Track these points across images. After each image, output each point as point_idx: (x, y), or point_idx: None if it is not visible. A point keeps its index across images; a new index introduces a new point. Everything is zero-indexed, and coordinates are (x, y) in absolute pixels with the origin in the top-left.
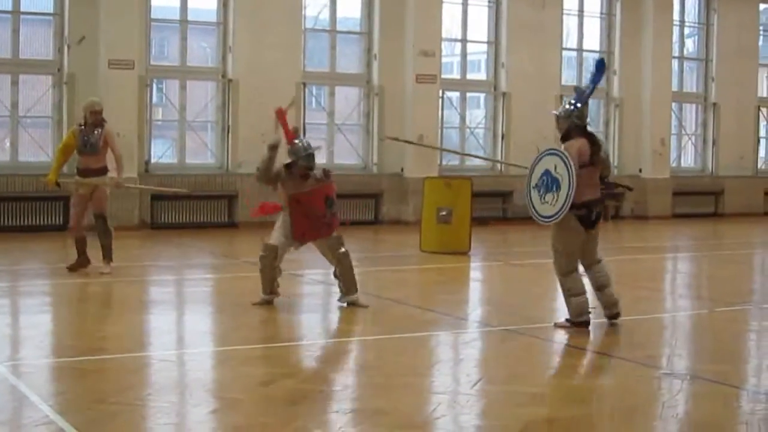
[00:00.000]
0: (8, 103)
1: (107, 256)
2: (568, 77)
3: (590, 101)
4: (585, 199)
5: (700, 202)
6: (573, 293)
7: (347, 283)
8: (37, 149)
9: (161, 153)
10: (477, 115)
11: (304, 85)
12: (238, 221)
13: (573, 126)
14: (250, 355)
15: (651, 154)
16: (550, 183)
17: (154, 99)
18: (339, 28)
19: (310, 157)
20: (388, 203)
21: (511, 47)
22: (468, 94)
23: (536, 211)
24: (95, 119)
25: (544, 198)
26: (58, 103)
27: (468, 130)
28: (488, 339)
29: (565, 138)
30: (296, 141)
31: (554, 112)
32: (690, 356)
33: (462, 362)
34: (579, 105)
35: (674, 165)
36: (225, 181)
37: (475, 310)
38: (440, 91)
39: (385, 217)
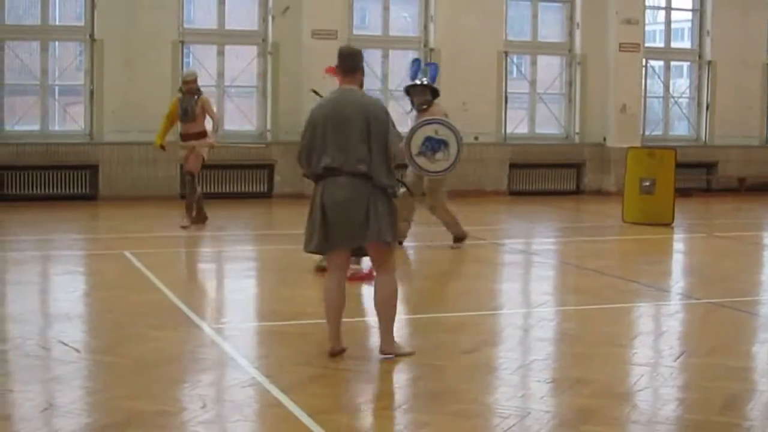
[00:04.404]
0: (214, 73)
1: (188, 212)
2: None
3: None
4: None
5: None
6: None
7: None
8: (242, 118)
9: None
10: (681, 84)
11: (506, 53)
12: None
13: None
14: (453, 323)
15: None
16: (436, 145)
17: None
18: None
19: None
20: (590, 173)
21: (716, 15)
22: (672, 63)
23: (428, 171)
24: (189, 88)
25: (434, 158)
26: (262, 73)
27: (672, 99)
28: (691, 311)
29: (424, 107)
30: None
31: (423, 82)
32: None
33: (664, 334)
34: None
35: None
36: None
37: (678, 282)
38: (643, 60)
39: (587, 188)
